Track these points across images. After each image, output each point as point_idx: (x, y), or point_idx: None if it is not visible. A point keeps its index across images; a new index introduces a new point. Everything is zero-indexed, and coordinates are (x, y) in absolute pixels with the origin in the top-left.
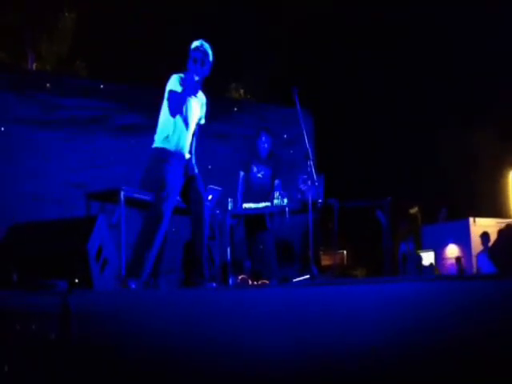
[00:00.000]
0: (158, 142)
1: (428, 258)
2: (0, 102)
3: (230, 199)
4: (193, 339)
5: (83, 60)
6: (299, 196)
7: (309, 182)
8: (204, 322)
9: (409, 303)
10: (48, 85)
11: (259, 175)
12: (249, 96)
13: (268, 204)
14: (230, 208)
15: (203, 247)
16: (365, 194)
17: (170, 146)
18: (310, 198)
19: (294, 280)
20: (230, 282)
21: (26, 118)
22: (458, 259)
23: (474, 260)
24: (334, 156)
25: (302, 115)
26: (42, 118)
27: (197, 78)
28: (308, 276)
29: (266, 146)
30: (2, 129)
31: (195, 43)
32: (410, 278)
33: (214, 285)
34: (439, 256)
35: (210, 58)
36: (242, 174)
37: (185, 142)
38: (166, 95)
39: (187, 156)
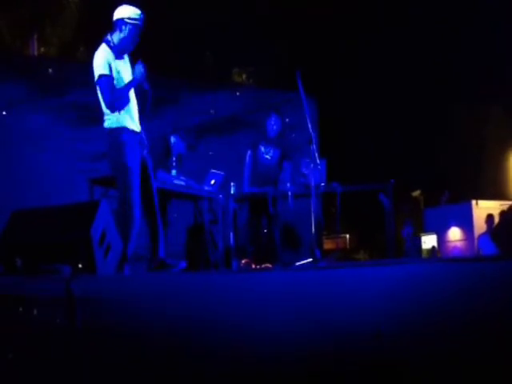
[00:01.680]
0: (109, 121)
1: (430, 241)
2: (1, 89)
3: (232, 183)
4: (196, 322)
5: (86, 47)
6: (302, 180)
7: (311, 166)
8: (207, 305)
9: (413, 286)
10: (50, 70)
11: (267, 156)
12: (251, 80)
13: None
14: (232, 192)
15: (158, 230)
16: (367, 177)
17: (123, 124)
18: (312, 182)
19: (297, 263)
20: (233, 266)
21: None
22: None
23: (476, 242)
24: (337, 140)
25: (305, 98)
26: (46, 104)
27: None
28: (311, 259)
29: (274, 127)
30: (4, 113)
31: (133, 12)
32: (413, 260)
33: (184, 264)
34: (442, 239)
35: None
36: (249, 152)
37: (133, 114)
38: (98, 80)
39: (139, 129)
